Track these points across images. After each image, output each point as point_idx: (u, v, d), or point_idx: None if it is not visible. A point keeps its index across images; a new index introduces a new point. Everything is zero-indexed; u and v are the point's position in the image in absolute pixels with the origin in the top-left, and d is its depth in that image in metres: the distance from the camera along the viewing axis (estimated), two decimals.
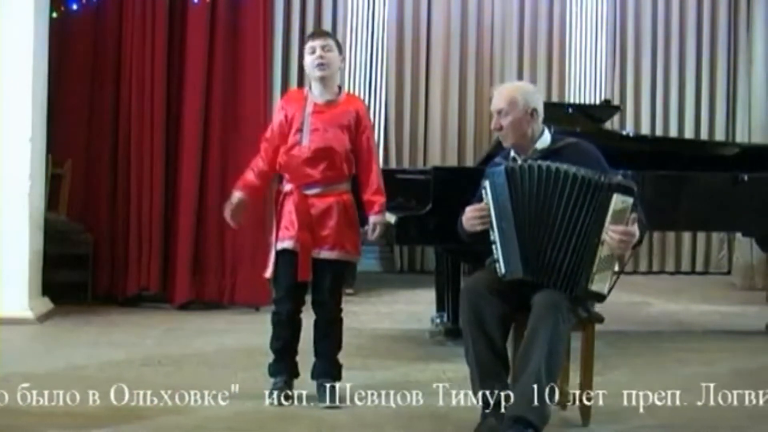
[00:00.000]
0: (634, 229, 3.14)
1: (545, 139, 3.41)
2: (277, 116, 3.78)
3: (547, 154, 3.35)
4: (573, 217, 3.16)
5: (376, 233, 3.74)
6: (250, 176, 3.79)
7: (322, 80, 3.73)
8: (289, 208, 3.71)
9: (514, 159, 3.43)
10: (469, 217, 3.33)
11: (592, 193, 3.15)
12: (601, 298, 3.20)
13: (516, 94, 3.40)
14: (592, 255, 3.14)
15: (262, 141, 3.83)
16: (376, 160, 3.80)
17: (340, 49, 3.81)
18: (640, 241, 3.27)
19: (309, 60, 3.74)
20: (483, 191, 3.31)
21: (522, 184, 3.21)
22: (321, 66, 3.70)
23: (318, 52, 3.70)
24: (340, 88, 3.83)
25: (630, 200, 3.13)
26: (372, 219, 3.74)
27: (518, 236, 3.20)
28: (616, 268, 3.24)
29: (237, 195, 3.76)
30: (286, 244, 3.69)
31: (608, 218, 3.13)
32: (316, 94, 3.76)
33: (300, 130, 3.70)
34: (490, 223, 3.26)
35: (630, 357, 4.72)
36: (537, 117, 3.40)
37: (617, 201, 3.12)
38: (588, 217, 3.15)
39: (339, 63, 3.79)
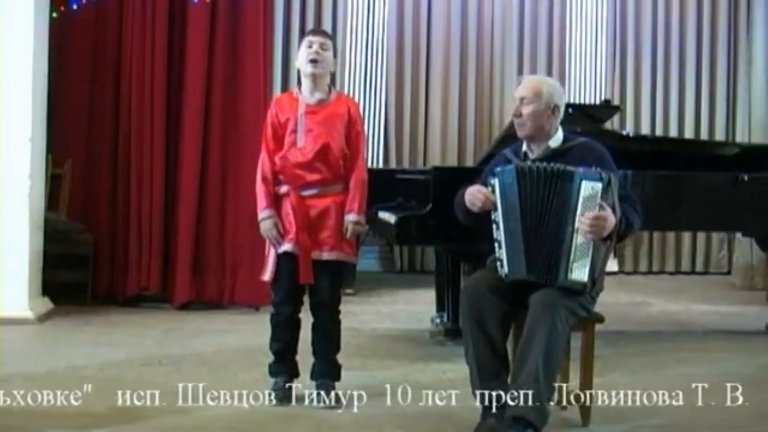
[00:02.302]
0: (606, 213, 3.13)
1: (558, 138, 3.43)
2: (270, 120, 3.74)
3: (558, 153, 3.37)
4: (553, 210, 3.18)
5: (348, 233, 3.69)
6: (267, 189, 3.70)
7: (313, 78, 3.71)
8: (286, 210, 3.69)
9: (525, 154, 3.43)
10: (475, 193, 3.32)
11: (564, 183, 3.18)
12: (581, 285, 3.18)
13: (542, 87, 3.43)
14: (568, 244, 3.16)
15: (263, 144, 3.77)
16: (362, 157, 3.77)
17: (336, 52, 3.80)
18: (625, 233, 3.26)
19: (304, 54, 3.71)
20: (490, 188, 3.31)
21: (530, 185, 3.22)
22: (314, 62, 3.68)
23: (315, 48, 3.69)
24: (330, 87, 3.80)
25: (599, 185, 3.14)
26: (346, 218, 3.70)
27: (524, 237, 3.21)
28: (613, 264, 3.24)
29: (268, 215, 3.67)
30: (285, 247, 3.68)
31: (579, 205, 3.15)
32: (306, 94, 3.73)
33: (294, 131, 3.68)
34: (495, 221, 3.26)
35: (630, 357, 4.72)
36: (557, 114, 3.42)
37: (586, 187, 3.15)
38: (563, 206, 3.17)
39: (332, 66, 3.77)
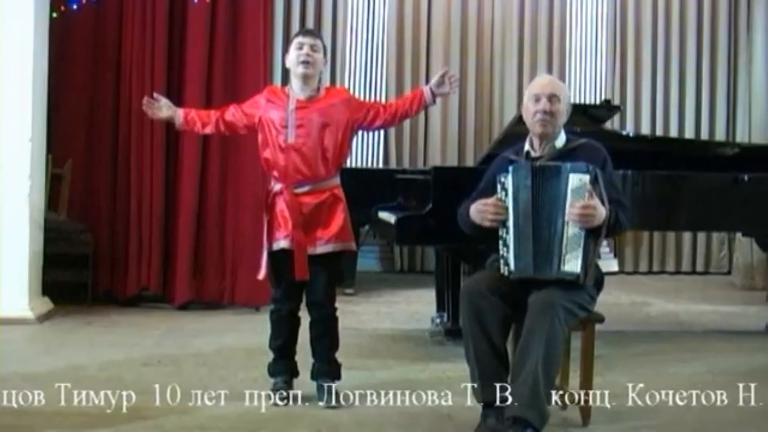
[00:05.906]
0: (594, 202, 3.16)
1: (563, 138, 3.46)
2: (258, 98, 3.83)
3: (564, 153, 3.38)
4: (549, 206, 3.20)
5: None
6: (197, 113, 4.01)
7: (304, 78, 3.73)
8: (280, 207, 3.71)
9: (528, 154, 3.43)
10: (483, 210, 3.31)
11: (554, 178, 3.21)
12: (575, 276, 3.18)
13: (564, 87, 3.51)
14: (560, 236, 3.18)
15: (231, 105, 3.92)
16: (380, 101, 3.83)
17: (326, 53, 3.83)
18: (614, 228, 3.26)
19: (294, 55, 3.74)
20: (499, 186, 3.30)
21: (541, 184, 3.23)
22: (306, 63, 3.70)
23: (305, 49, 3.71)
24: (319, 85, 3.81)
25: (586, 177, 3.17)
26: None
27: (533, 235, 3.21)
28: (613, 264, 3.25)
29: (173, 112, 3.99)
30: (281, 243, 3.69)
31: (568, 197, 3.17)
32: (297, 90, 3.76)
33: (285, 127, 3.69)
34: (505, 220, 3.25)
35: (630, 357, 4.72)
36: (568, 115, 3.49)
37: (573, 180, 3.18)
38: (554, 200, 3.19)
39: (322, 66, 3.80)
